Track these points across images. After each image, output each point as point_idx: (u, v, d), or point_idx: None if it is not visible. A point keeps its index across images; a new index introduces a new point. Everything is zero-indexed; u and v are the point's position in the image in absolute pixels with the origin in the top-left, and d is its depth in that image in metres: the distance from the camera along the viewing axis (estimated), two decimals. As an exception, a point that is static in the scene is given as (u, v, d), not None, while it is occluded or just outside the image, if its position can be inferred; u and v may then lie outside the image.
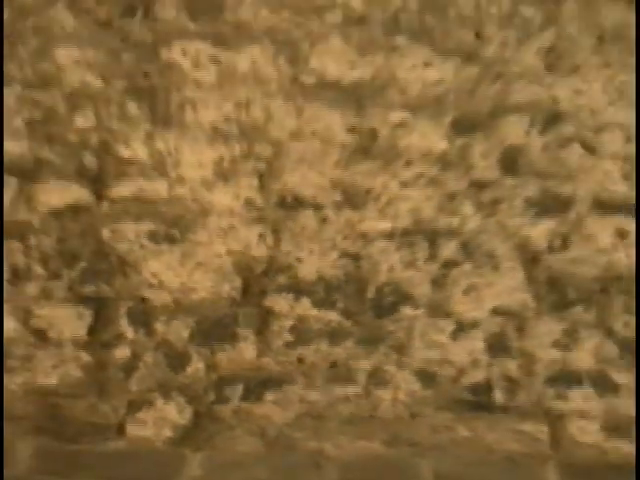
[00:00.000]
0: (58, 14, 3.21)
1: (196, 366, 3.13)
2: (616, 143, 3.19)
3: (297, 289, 3.18)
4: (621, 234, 3.18)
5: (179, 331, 3.14)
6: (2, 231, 3.20)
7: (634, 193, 3.20)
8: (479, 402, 3.18)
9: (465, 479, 3.08)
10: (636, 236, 3.25)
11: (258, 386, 3.14)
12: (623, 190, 3.18)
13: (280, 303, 3.17)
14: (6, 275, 3.09)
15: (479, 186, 3.21)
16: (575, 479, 3.12)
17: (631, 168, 3.18)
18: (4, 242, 3.10)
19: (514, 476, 3.11)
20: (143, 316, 3.15)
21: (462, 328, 3.19)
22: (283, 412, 3.14)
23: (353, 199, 3.20)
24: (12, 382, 3.05)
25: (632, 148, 3.21)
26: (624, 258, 3.18)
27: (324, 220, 3.17)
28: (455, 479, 3.09)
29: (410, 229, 3.20)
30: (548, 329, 3.19)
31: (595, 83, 3.19)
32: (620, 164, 3.17)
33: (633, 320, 3.17)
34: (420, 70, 3.21)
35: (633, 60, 3.18)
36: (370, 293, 3.19)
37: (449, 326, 3.19)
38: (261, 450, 3.11)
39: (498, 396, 3.18)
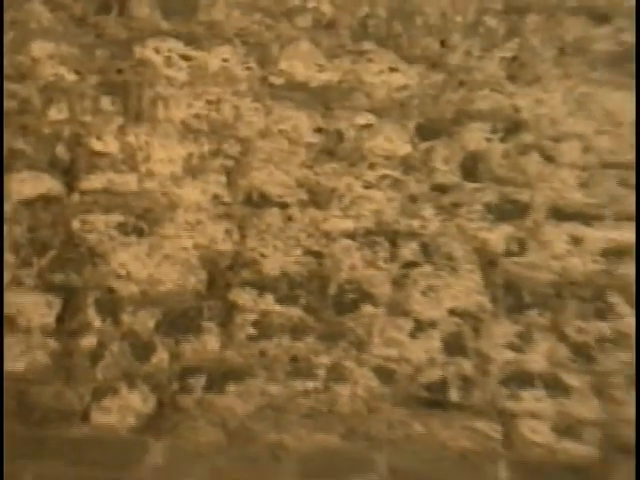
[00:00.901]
0: (35, 8, 3.61)
1: (161, 356, 3.49)
2: (574, 153, 3.60)
3: (261, 284, 3.53)
4: (576, 241, 3.60)
5: (145, 321, 3.50)
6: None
7: (592, 200, 3.64)
8: (435, 400, 3.51)
9: (419, 474, 3.42)
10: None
11: (221, 378, 3.48)
12: (579, 198, 3.59)
13: (244, 297, 3.53)
14: None
15: (440, 190, 3.61)
16: (525, 477, 3.47)
17: (589, 177, 3.62)
18: None
19: (466, 473, 3.45)
20: (110, 306, 3.51)
21: (420, 327, 3.54)
22: (244, 404, 3.48)
23: (318, 198, 3.58)
24: None
25: (590, 158, 3.65)
26: (578, 264, 3.60)
27: (289, 218, 3.56)
28: (409, 474, 3.43)
29: (372, 229, 3.58)
30: (503, 331, 3.55)
31: (555, 94, 3.61)
32: (577, 173, 3.59)
33: (585, 325, 3.59)
34: (386, 75, 3.61)
35: (594, 73, 3.63)
36: (332, 290, 3.56)
37: (407, 325, 3.55)
38: (222, 441, 3.45)
39: (453, 394, 3.52)
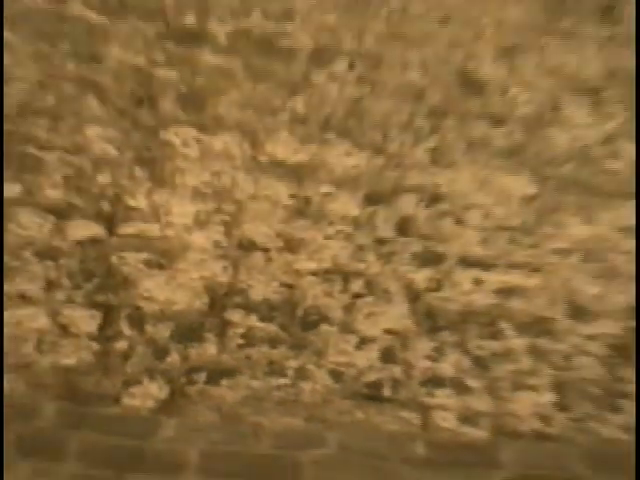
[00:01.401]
0: (89, 101, 5.31)
1: (173, 357, 4.52)
2: (477, 218, 5.30)
3: (248, 307, 4.66)
4: (477, 282, 5.06)
5: (162, 332, 4.57)
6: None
7: (490, 253, 5.33)
8: (372, 395, 4.59)
9: (359, 449, 4.42)
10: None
11: (217, 374, 4.52)
12: (480, 251, 5.27)
13: (235, 316, 4.64)
14: (41, 285, 5.07)
15: (380, 242, 4.93)
16: (436, 453, 4.55)
17: (487, 236, 5.31)
18: (43, 261, 5.09)
19: (394, 449, 4.44)
20: (137, 319, 4.56)
21: (363, 342, 4.65)
22: (234, 394, 4.49)
23: (291, 245, 4.85)
24: (44, 361, 4.97)
25: (488, 222, 5.35)
26: (479, 299, 5.22)
27: (269, 259, 4.90)
28: (353, 448, 4.43)
29: (330, 269, 4.84)
30: (423, 346, 4.65)
31: (465, 175, 5.26)
32: (479, 233, 5.28)
33: (483, 343, 5.05)
34: (343, 157, 5.05)
35: (493, 161, 5.36)
36: (299, 313, 4.70)
37: (354, 340, 4.68)
38: (217, 421, 4.43)
39: (386, 391, 4.59)
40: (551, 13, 5.16)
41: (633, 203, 4.91)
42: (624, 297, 4.88)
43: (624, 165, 5.03)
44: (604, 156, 5.07)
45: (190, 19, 5.06)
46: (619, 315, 4.88)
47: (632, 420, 4.68)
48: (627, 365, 4.80)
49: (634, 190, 4.93)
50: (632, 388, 4.74)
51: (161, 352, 4.60)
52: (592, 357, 4.84)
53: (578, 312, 4.89)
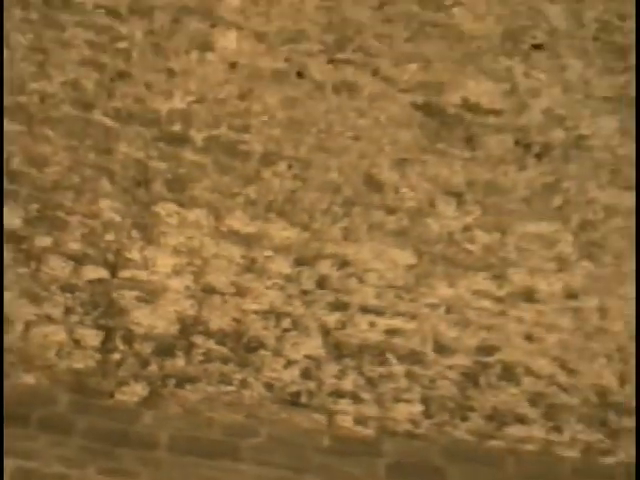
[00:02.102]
0: (103, 182, 7.52)
1: (153, 367, 5.97)
2: (373, 279, 7.28)
3: (209, 335, 6.09)
4: (371, 324, 6.31)
5: (146, 348, 5.97)
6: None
7: (383, 303, 7.99)
8: (294, 401, 6.05)
9: (282, 439, 5.86)
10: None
11: (184, 380, 5.93)
12: (375, 302, 6.84)
13: (198, 340, 6.09)
14: (62, 310, 7.20)
15: (304, 293, 6.18)
16: (337, 444, 5.95)
17: (382, 290, 7.99)
18: (64, 294, 7.52)
19: (307, 441, 5.87)
20: (129, 339, 5.96)
21: (289, 363, 6.13)
22: (195, 395, 5.92)
23: (240, 292, 6.33)
24: (62, 364, 6.02)
25: (382, 282, 7.94)
26: (372, 336, 6.78)
27: (225, 301, 6.23)
28: (278, 439, 5.86)
29: (268, 310, 6.30)
30: (333, 369, 6.15)
31: (366, 248, 7.30)
32: (374, 289, 7.51)
33: (375, 367, 6.77)
34: (281, 231, 6.54)
35: (389, 239, 8.06)
36: (244, 340, 6.16)
37: (282, 361, 6.13)
38: (182, 414, 5.88)
39: (303, 399, 6.04)
40: (430, 138, 7.07)
41: (482, 274, 6.83)
42: (474, 340, 6.53)
43: (476, 247, 6.84)
44: (464, 240, 6.77)
45: (177, 127, 6.75)
46: (470, 352, 6.48)
47: (477, 426, 6.57)
48: (474, 388, 6.51)
49: (483, 265, 6.90)
50: (476, 404, 6.55)
51: (144, 363, 6.07)
52: (450, 381, 6.37)
53: (441, 348, 6.43)
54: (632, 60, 7.03)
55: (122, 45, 6.83)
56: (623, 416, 6.34)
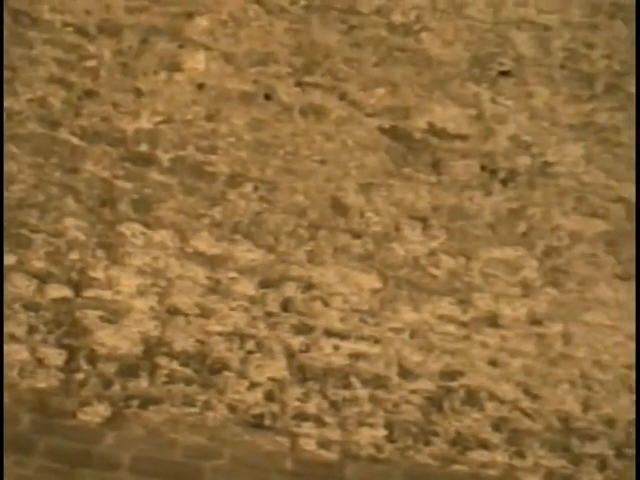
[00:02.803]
0: (68, 201, 8.01)
1: (116, 387, 6.04)
2: (338, 303, 7.75)
3: (172, 355, 6.16)
4: (336, 348, 6.65)
5: (109, 368, 6.02)
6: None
7: (348, 327, 8.50)
8: (257, 423, 6.18)
9: (246, 461, 6.02)
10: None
11: (147, 401, 6.04)
12: (339, 326, 7.18)
13: (162, 361, 6.14)
14: (25, 329, 7.26)
15: (269, 315, 6.42)
16: (300, 467, 6.06)
17: (347, 314, 8.51)
18: (27, 312, 7.97)
19: (269, 464, 6.03)
20: (91, 359, 6.01)
21: (252, 385, 6.22)
22: (158, 417, 6.01)
23: (205, 313, 6.49)
24: (24, 384, 5.97)
25: (347, 306, 8.49)
26: (336, 360, 7.01)
27: (189, 322, 6.35)
28: (241, 461, 6.02)
29: (232, 332, 6.43)
30: (295, 391, 6.28)
31: (331, 271, 7.84)
32: (339, 313, 8.09)
33: (339, 391, 7.09)
34: (246, 253, 6.75)
35: (354, 263, 8.53)
36: (208, 362, 6.26)
37: (246, 383, 6.24)
38: (145, 435, 5.95)
39: (267, 421, 6.16)
40: (397, 163, 7.42)
41: (447, 298, 7.22)
42: (438, 364, 6.74)
43: (441, 272, 7.18)
44: (429, 265, 7.07)
45: (143, 147, 6.96)
46: (434, 377, 6.68)
47: (440, 451, 6.88)
48: (437, 412, 6.77)
49: (447, 289, 7.38)
50: (440, 428, 6.83)
51: (107, 383, 6.18)
52: (413, 405, 6.57)
53: (405, 373, 6.60)
54: (598, 88, 7.73)
55: (90, 64, 7.09)
56: (586, 442, 6.60)
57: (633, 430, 6.41)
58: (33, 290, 6.48)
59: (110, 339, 6.48)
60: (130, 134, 7.11)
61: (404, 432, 6.57)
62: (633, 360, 6.61)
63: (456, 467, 6.55)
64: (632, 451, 6.43)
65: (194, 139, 7.13)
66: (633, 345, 6.69)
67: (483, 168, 7.48)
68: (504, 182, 7.46)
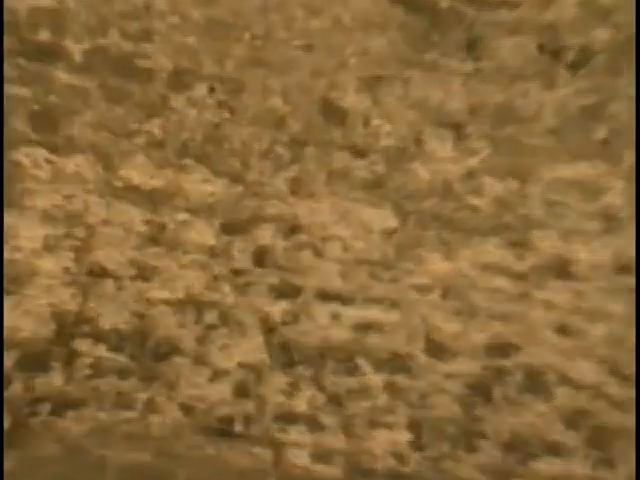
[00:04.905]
0: None
1: (16, 387, 5.55)
2: (336, 251, 6.70)
3: (97, 336, 5.66)
4: (335, 316, 5.92)
5: (6, 360, 5.44)
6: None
7: (348, 287, 6.94)
8: (224, 430, 5.68)
9: None
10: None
11: (62, 406, 5.50)
12: (339, 285, 6.73)
13: (83, 346, 5.64)
14: None
15: (236, 273, 5.88)
16: None
17: (347, 269, 7.01)
18: None
19: None
20: None
21: (216, 375, 5.77)
22: (79, 426, 5.54)
23: (143, 274, 5.87)
24: None
25: (347, 255, 6.93)
26: (335, 334, 6.47)
27: (120, 287, 5.84)
28: None
29: (184, 299, 5.86)
30: (278, 381, 5.77)
31: (324, 206, 6.42)
32: (338, 266, 6.94)
33: (338, 379, 6.44)
34: (200, 184, 5.99)
35: (353, 192, 6.98)
36: (150, 343, 5.75)
37: (206, 372, 5.76)
38: (60, 454, 5.49)
39: (238, 427, 5.73)
40: (415, 46, 6.33)
41: (494, 240, 6.11)
42: (482, 335, 6.03)
43: (485, 202, 6.18)
44: (466, 192, 6.24)
45: (44, 35, 6.08)
46: (478, 353, 6.04)
47: (490, 460, 6.02)
48: (483, 405, 5.98)
49: (494, 226, 6.15)
50: (489, 427, 6.00)
51: (3, 381, 5.55)
52: (449, 396, 6.03)
53: (436, 349, 6.03)
54: None
55: None
56: None
57: None
58: None
59: (6, 318, 5.88)
60: (23, 16, 6.22)
61: (437, 435, 6.11)
62: None
63: (514, 483, 5.27)
64: None
65: (118, 20, 6.03)
66: None
67: (541, 48, 6.40)
68: (573, 67, 6.41)
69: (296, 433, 5.95)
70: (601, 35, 6.33)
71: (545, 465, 6.08)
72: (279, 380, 6.01)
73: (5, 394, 5.68)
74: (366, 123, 6.31)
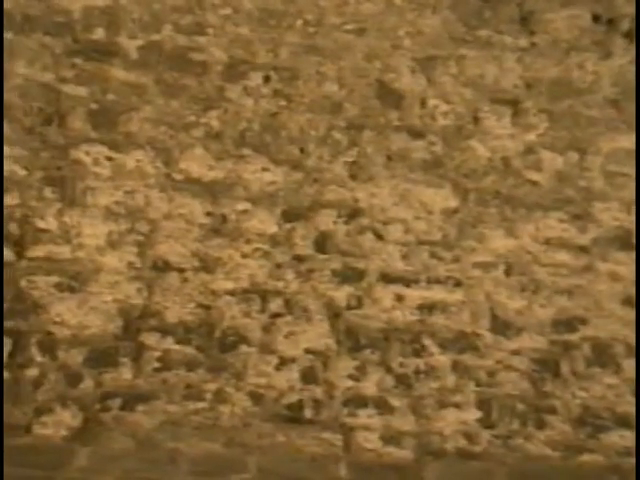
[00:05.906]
0: None
1: (87, 383, 5.21)
2: (397, 233, 6.31)
3: (163, 329, 5.37)
4: (399, 298, 5.77)
5: (75, 357, 5.22)
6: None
7: (410, 268, 6.37)
8: (293, 417, 5.34)
9: (280, 473, 5.09)
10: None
11: (132, 400, 5.22)
12: (401, 266, 6.31)
13: (151, 339, 5.34)
14: None
15: (299, 259, 5.65)
16: (359, 475, 5.21)
17: (408, 251, 6.40)
18: None
19: (316, 472, 5.13)
20: (49, 345, 5.19)
21: (283, 362, 5.44)
22: (150, 420, 5.22)
23: (207, 265, 5.61)
24: None
25: (409, 237, 6.42)
26: (400, 316, 6.08)
27: (185, 279, 5.57)
28: (273, 473, 5.09)
29: (248, 289, 5.57)
30: (345, 365, 5.47)
31: (384, 189, 6.11)
32: (399, 248, 6.36)
33: (405, 360, 5.95)
34: (259, 173, 5.74)
35: (412, 174, 6.44)
36: (217, 334, 5.45)
37: (273, 360, 5.42)
38: (132, 448, 5.12)
39: (307, 413, 5.35)
40: (468, 23, 6.09)
41: (555, 214, 5.84)
42: (548, 310, 5.75)
43: (545, 176, 5.94)
44: (525, 167, 5.99)
45: (99, 33, 5.88)
46: (543, 329, 5.76)
47: (560, 436, 5.61)
48: (552, 380, 5.68)
49: (556, 201, 5.85)
50: (558, 402, 5.67)
51: (74, 378, 5.34)
52: (516, 372, 5.70)
53: (501, 327, 5.75)
54: None
55: None
56: None
57: None
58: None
59: (73, 315, 5.52)
60: (77, 16, 5.96)
61: (506, 412, 5.69)
62: None
63: (586, 457, 5.63)
64: None
65: (171, 14, 6.01)
66: None
67: (596, 19, 6.18)
68: (629, 36, 6.14)
69: (365, 417, 5.53)
70: (656, 2, 5.44)
71: (616, 438, 5.69)
72: (346, 364, 5.61)
73: (75, 391, 5.41)
74: (422, 104, 6.11)
